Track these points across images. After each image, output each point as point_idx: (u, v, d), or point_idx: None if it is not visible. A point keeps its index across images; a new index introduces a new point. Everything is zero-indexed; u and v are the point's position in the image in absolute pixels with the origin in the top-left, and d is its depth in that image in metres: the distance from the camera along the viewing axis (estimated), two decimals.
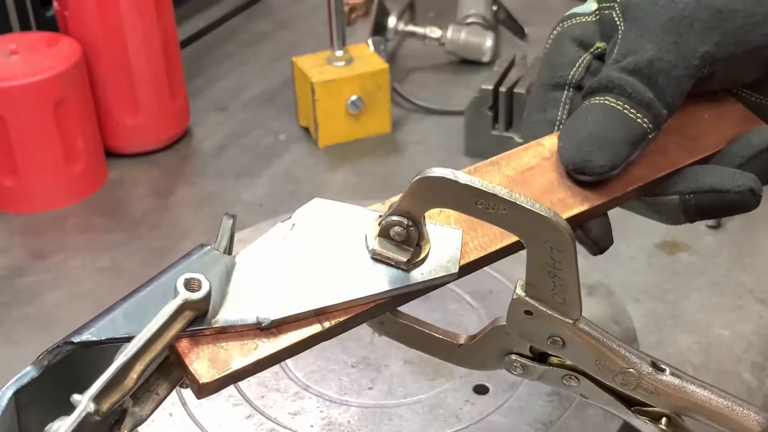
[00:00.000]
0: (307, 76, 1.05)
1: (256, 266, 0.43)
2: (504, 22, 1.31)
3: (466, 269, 0.47)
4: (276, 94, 1.20)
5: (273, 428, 0.64)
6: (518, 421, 0.64)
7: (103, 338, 0.40)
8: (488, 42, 1.23)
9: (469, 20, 1.27)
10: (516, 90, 1.00)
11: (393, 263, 0.44)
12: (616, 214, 0.90)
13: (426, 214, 0.44)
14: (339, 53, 1.07)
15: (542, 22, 1.33)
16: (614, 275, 0.81)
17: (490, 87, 1.00)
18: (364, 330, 0.72)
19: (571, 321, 0.46)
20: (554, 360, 0.49)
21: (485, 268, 0.76)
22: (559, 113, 0.53)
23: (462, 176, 0.41)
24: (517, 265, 0.78)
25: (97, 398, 0.38)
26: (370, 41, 1.15)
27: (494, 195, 0.40)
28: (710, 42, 0.49)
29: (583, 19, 0.55)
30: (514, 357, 0.50)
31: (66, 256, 0.91)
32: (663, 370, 0.47)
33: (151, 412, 0.42)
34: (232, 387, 0.67)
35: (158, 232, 0.94)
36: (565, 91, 0.53)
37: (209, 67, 1.27)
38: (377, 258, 0.44)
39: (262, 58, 1.30)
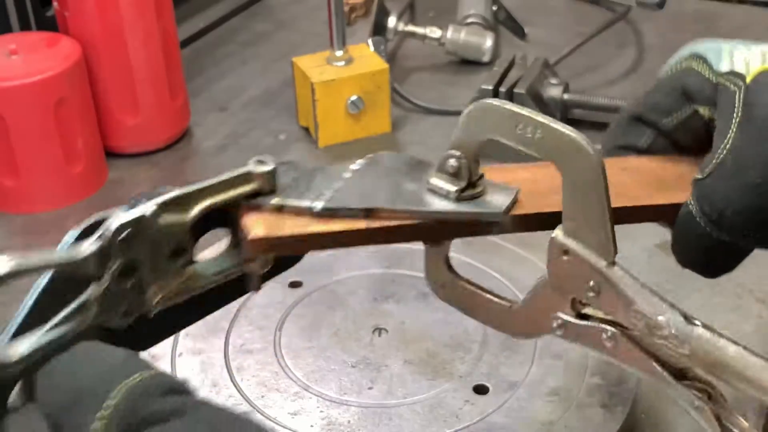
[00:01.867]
0: (307, 76, 1.05)
1: (332, 173, 0.51)
2: (504, 23, 1.31)
3: (518, 223, 0.50)
4: (276, 94, 1.20)
5: (273, 428, 0.64)
6: (518, 421, 0.64)
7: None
8: (488, 42, 1.23)
9: (469, 20, 1.27)
10: (516, 90, 1.00)
11: (444, 193, 0.49)
12: None
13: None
14: (339, 53, 1.07)
15: (542, 22, 1.33)
16: None
17: (490, 87, 1.00)
18: (364, 330, 0.72)
19: (605, 263, 0.47)
20: (592, 314, 0.49)
21: (485, 269, 0.76)
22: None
23: (506, 103, 0.47)
24: (516, 266, 0.79)
25: (162, 205, 0.45)
26: (370, 41, 1.15)
27: (531, 117, 0.46)
28: None
29: (705, 74, 0.51)
30: (556, 315, 0.50)
31: None
32: (695, 323, 0.46)
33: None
34: (231, 386, 0.68)
35: None
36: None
37: (209, 67, 1.28)
38: (432, 189, 0.49)
39: (263, 58, 1.30)
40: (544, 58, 1.06)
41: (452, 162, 0.48)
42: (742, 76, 0.48)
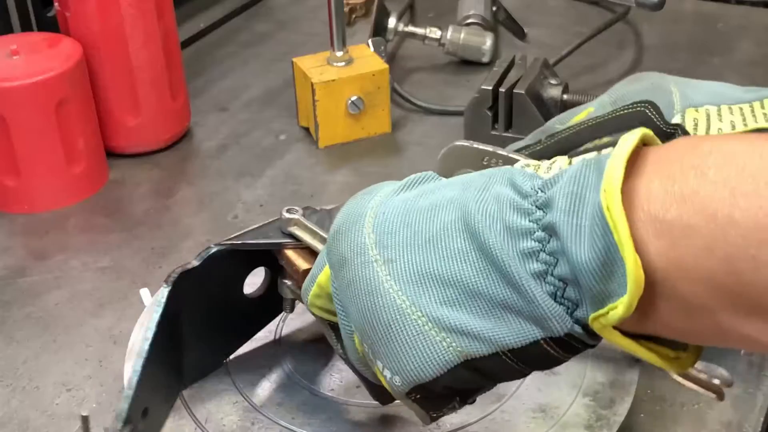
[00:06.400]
0: (307, 77, 1.06)
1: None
2: (503, 23, 1.31)
3: None
4: (276, 95, 1.20)
5: (273, 428, 0.64)
6: None
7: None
8: (488, 42, 1.23)
9: (469, 21, 1.28)
10: (516, 90, 1.00)
11: None
12: None
13: None
14: (339, 54, 1.07)
15: (542, 23, 1.33)
16: None
17: (490, 87, 1.01)
18: None
19: None
20: None
21: None
22: None
23: (473, 143, 0.62)
24: None
25: None
26: (369, 42, 1.16)
27: (494, 152, 0.61)
28: None
29: (660, 124, 0.63)
30: None
31: (67, 256, 0.91)
32: None
33: None
34: (232, 385, 0.68)
35: (159, 232, 0.95)
36: None
37: (210, 67, 1.28)
38: None
39: (263, 58, 1.31)
40: (543, 58, 1.06)
41: None
42: (687, 133, 0.65)
